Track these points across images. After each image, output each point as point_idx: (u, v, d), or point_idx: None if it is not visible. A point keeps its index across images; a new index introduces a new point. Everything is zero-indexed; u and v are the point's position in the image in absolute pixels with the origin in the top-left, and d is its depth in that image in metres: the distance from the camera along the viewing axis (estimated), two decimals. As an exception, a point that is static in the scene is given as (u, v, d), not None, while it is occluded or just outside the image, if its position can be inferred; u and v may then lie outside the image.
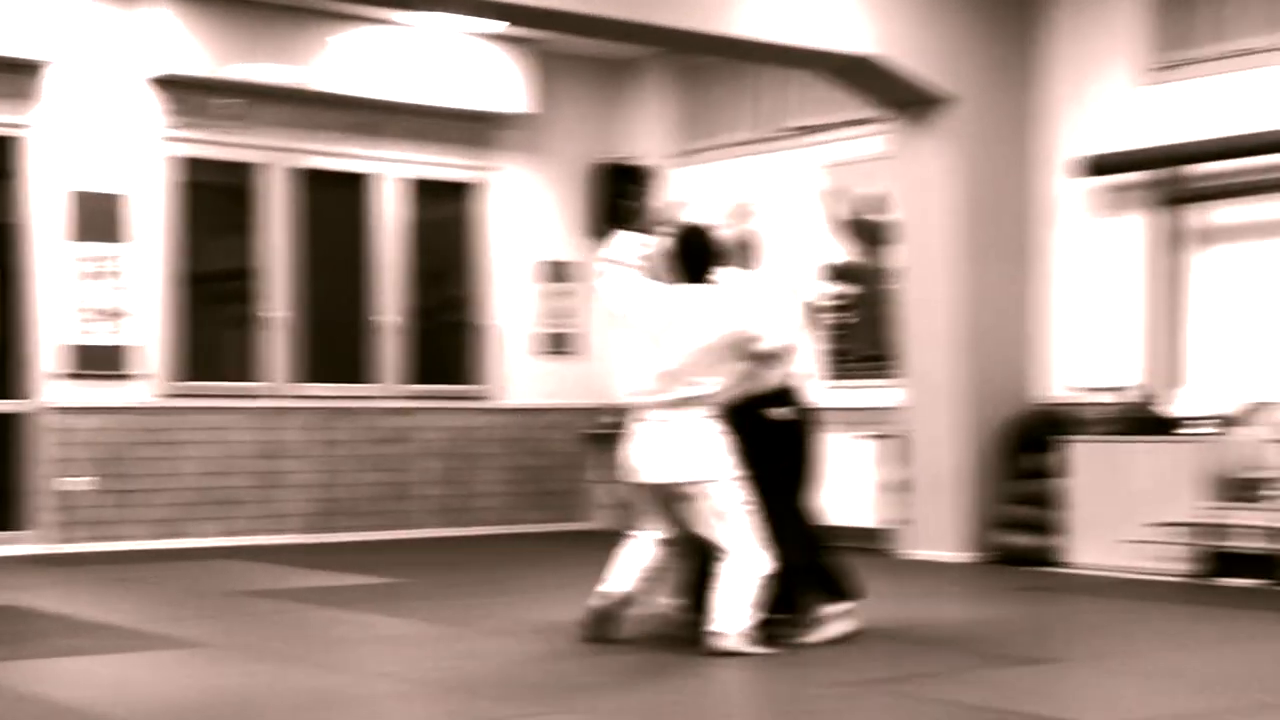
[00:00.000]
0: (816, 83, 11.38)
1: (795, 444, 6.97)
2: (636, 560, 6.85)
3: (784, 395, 6.93)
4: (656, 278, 6.85)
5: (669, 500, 6.73)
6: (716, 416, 6.69)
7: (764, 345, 6.70)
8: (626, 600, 6.85)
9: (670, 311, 6.70)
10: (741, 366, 6.74)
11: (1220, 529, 9.16)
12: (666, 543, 6.84)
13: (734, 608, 6.50)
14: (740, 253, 7.03)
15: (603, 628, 6.79)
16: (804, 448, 7.00)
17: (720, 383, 6.68)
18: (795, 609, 6.83)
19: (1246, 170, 9.75)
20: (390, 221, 12.58)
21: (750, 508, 6.63)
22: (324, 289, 12.38)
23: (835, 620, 6.87)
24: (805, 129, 12.13)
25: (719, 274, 6.85)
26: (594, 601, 6.86)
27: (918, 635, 7.08)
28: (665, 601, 7.11)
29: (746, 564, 6.56)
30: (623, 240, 6.95)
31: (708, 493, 6.61)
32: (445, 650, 6.85)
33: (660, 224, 7.03)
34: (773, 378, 6.88)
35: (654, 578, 6.88)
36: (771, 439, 6.87)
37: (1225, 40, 9.86)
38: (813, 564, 6.89)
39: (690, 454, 6.62)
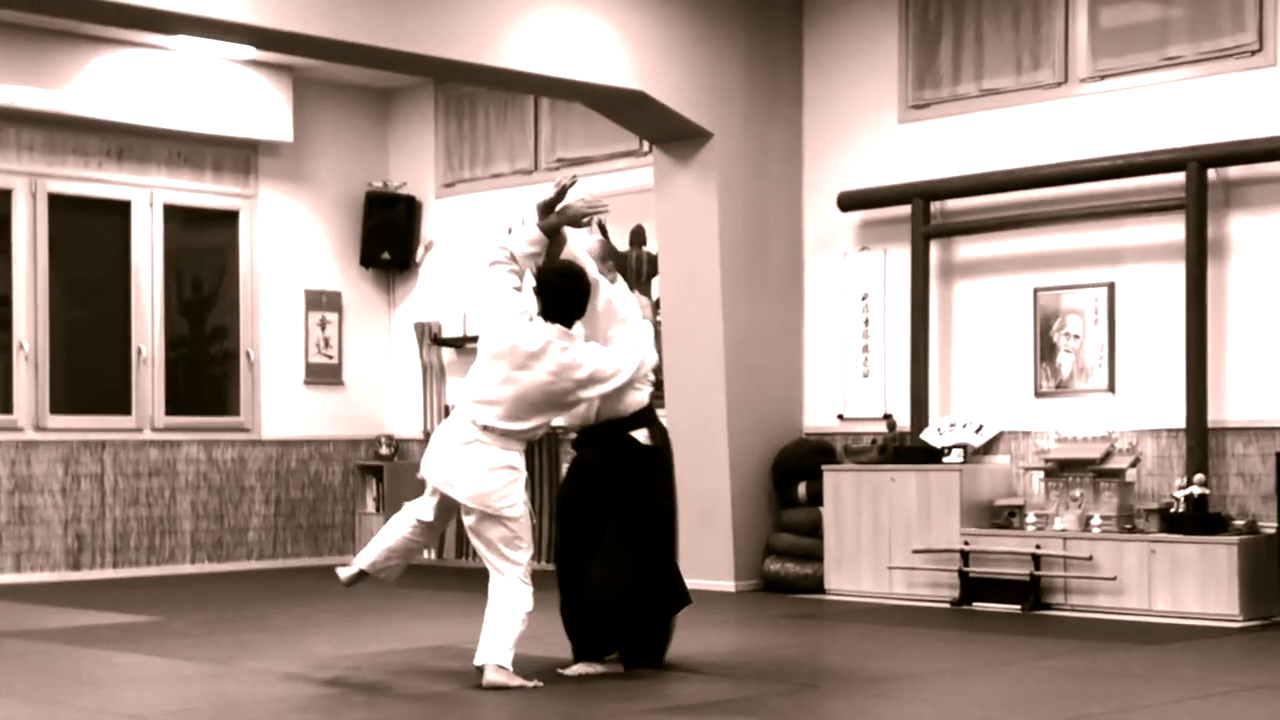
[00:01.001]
0: (585, 114, 11.46)
1: (659, 468, 6.99)
2: (392, 535, 6.92)
3: (645, 417, 6.95)
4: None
5: (450, 506, 6.74)
6: (524, 450, 6.71)
7: (610, 386, 6.71)
8: (364, 575, 6.98)
9: (518, 343, 6.62)
10: (570, 411, 6.84)
11: (978, 555, 9.42)
12: (426, 526, 6.88)
13: (497, 642, 6.51)
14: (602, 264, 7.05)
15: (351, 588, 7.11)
16: (668, 472, 7.05)
17: (538, 425, 6.70)
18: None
19: (999, 206, 10.07)
20: (150, 248, 12.29)
21: (526, 544, 6.62)
22: (80, 317, 12.05)
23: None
24: (572, 160, 12.18)
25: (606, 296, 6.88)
26: (341, 572, 7.03)
27: (685, 664, 7.11)
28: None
29: (513, 599, 6.56)
30: (519, 235, 6.86)
31: (491, 520, 6.58)
32: (208, 689, 6.69)
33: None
34: (634, 400, 6.91)
35: (402, 556, 6.94)
36: (636, 463, 6.90)
37: (977, 80, 10.18)
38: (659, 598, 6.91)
39: (485, 478, 6.58)
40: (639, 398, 6.93)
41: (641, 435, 6.92)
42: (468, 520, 6.64)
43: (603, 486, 6.89)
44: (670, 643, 7.11)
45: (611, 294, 6.95)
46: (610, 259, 7.20)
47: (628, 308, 6.99)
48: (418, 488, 10.91)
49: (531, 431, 6.71)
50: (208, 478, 12.51)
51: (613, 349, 6.80)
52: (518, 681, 6.45)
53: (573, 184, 6.91)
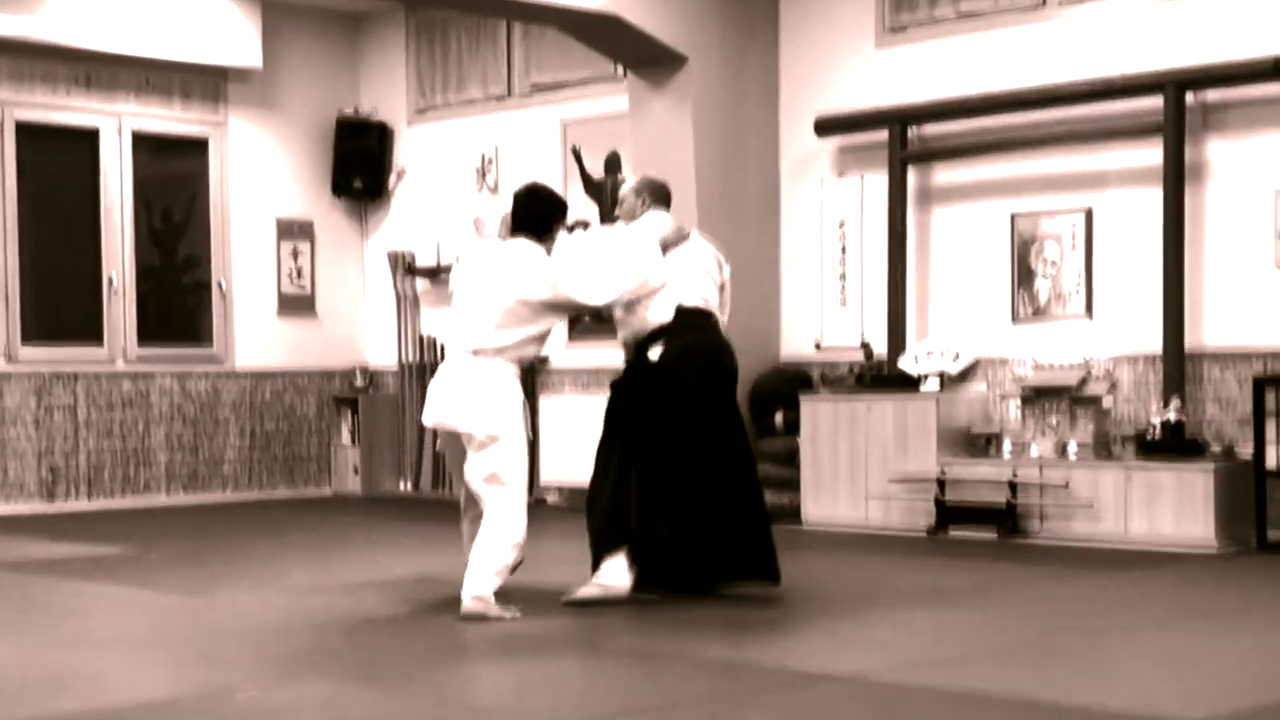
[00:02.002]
0: (559, 39, 11.35)
1: (672, 384, 6.80)
2: (471, 543, 6.75)
3: (662, 332, 6.84)
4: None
5: (462, 452, 6.66)
6: (518, 373, 6.66)
7: (589, 299, 6.68)
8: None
9: (487, 265, 6.70)
10: (551, 321, 6.76)
11: (954, 483, 9.42)
12: (473, 502, 6.75)
13: (481, 571, 6.49)
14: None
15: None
16: (691, 389, 6.84)
17: (525, 338, 6.65)
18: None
19: (976, 130, 10.01)
20: (119, 177, 12.17)
21: (521, 472, 6.58)
22: (50, 247, 11.93)
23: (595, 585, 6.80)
24: (546, 86, 12.08)
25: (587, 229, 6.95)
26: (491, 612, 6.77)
27: (659, 593, 7.09)
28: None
29: (501, 530, 6.52)
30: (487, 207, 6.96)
31: (481, 446, 6.54)
32: (188, 620, 6.68)
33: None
34: (646, 319, 6.84)
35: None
36: (643, 381, 6.83)
37: (954, 3, 10.08)
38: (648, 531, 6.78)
39: (475, 404, 6.57)
40: (650, 316, 6.84)
41: (654, 352, 6.85)
42: (470, 451, 6.56)
43: (622, 405, 6.89)
44: (753, 569, 6.94)
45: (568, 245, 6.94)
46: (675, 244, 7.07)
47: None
48: (393, 421, 11.00)
49: (521, 346, 6.64)
50: (181, 409, 12.44)
51: (588, 267, 6.76)
52: (496, 611, 6.42)
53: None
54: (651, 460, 6.75)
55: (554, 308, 6.71)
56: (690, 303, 6.94)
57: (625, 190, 7.26)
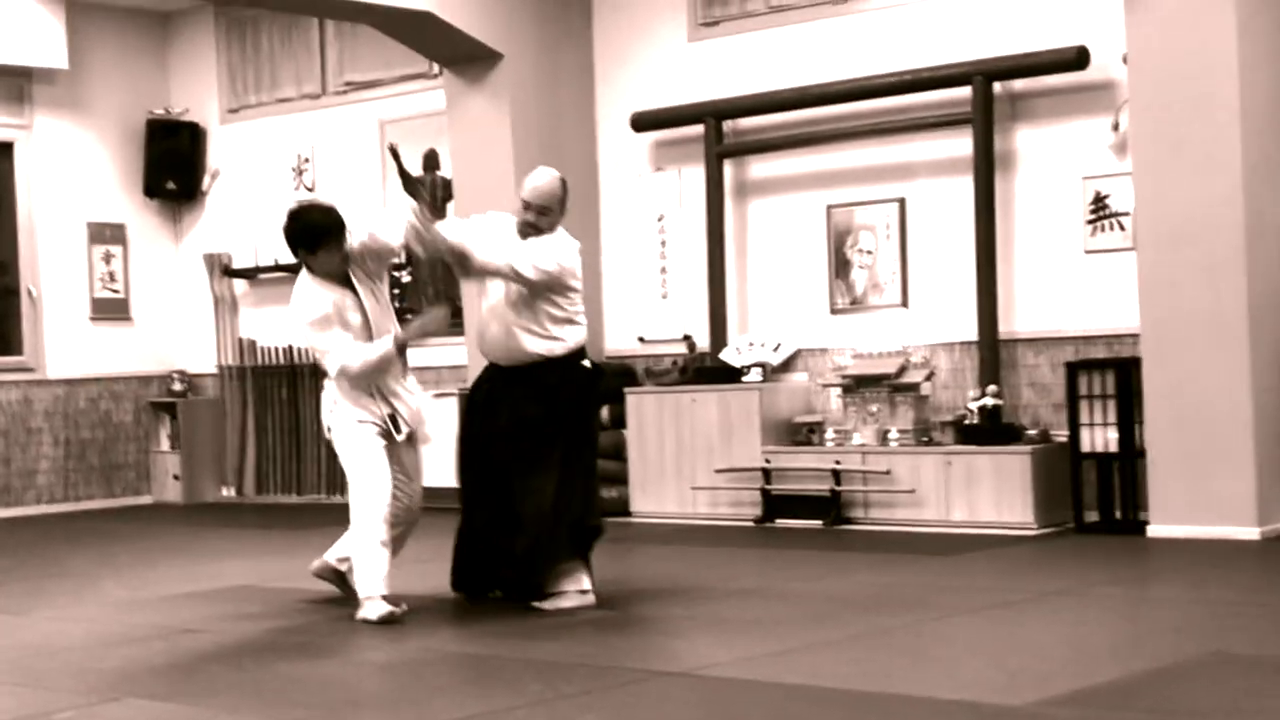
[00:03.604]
0: (374, 35, 11.24)
1: (590, 396, 6.91)
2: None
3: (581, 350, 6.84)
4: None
5: None
6: (340, 383, 6.68)
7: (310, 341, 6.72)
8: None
9: None
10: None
11: (779, 473, 9.51)
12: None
13: (357, 575, 6.55)
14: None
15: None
16: (596, 401, 7.10)
17: (313, 352, 6.88)
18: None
19: (790, 124, 10.10)
20: (-81, 184, 11.82)
21: (351, 466, 6.58)
22: None
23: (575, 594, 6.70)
24: (362, 84, 11.96)
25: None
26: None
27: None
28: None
29: (354, 525, 6.58)
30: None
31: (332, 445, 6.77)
32: (3, 640, 6.49)
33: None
34: (576, 335, 6.73)
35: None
36: (575, 390, 6.77)
37: (768, -3, 10.19)
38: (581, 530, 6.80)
39: (325, 408, 6.80)
40: (578, 335, 6.74)
41: (587, 362, 6.88)
42: None
43: (550, 419, 6.70)
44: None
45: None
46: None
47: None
48: (213, 425, 10.80)
49: (318, 357, 6.70)
50: (-8, 420, 12.13)
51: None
52: (380, 613, 6.39)
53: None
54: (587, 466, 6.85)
55: (306, 340, 6.84)
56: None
57: (554, 199, 6.76)
